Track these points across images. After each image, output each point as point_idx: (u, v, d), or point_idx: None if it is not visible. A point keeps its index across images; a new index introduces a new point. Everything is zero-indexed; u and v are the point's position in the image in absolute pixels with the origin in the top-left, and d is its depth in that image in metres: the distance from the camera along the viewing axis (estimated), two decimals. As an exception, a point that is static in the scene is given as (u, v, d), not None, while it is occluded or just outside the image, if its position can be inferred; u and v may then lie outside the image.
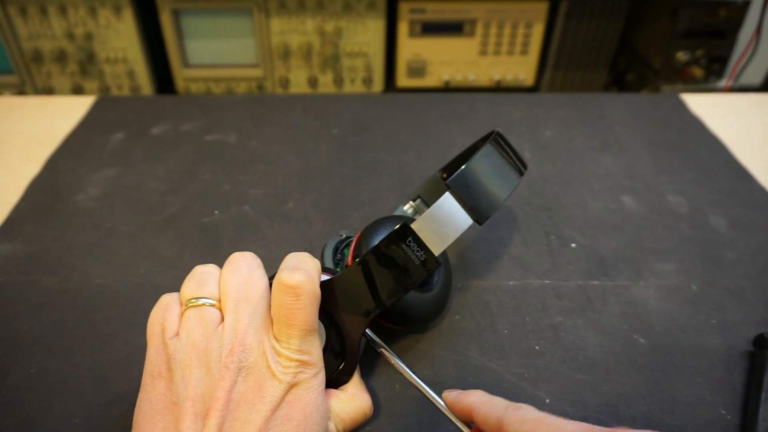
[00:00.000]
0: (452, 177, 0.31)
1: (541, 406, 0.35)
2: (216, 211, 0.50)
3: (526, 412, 0.26)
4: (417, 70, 1.13)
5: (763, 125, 0.64)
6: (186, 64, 1.08)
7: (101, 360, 0.37)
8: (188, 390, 0.27)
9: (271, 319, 0.29)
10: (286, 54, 1.07)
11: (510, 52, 1.12)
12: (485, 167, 0.32)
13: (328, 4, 1.02)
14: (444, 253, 0.41)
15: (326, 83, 1.12)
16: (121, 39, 1.03)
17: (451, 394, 0.30)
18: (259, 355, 0.28)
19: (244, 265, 0.30)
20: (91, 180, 0.54)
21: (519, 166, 0.35)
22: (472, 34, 1.09)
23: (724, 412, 0.35)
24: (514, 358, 0.38)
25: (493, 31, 1.09)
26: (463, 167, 0.31)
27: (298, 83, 1.11)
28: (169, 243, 0.47)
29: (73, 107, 0.65)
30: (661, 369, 0.38)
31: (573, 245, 0.47)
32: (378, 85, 1.13)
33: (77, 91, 1.08)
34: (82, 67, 1.06)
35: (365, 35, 1.06)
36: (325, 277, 0.32)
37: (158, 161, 0.56)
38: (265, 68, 1.09)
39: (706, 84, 1.13)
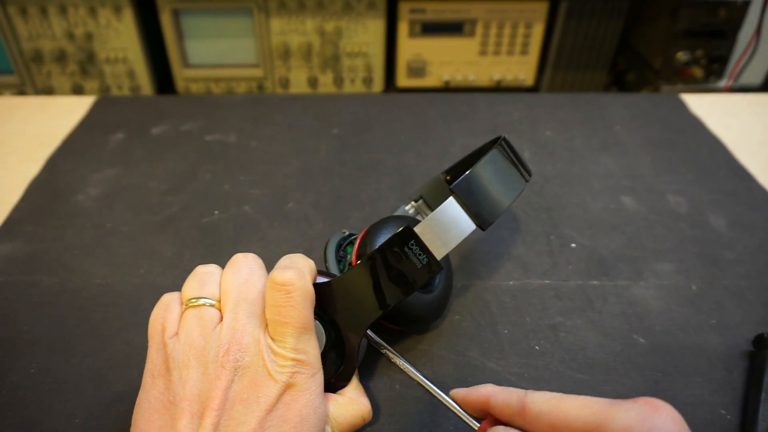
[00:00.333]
0: (457, 182, 0.31)
1: (541, 406, 0.35)
2: (216, 211, 0.50)
3: (545, 391, 0.26)
4: (417, 70, 1.13)
5: (763, 125, 0.64)
6: (186, 64, 1.08)
7: (101, 360, 0.37)
8: (185, 389, 0.27)
9: None
10: (286, 54, 1.07)
11: (510, 52, 1.12)
12: (490, 173, 0.32)
13: (328, 4, 1.02)
14: (445, 255, 0.41)
15: (326, 83, 1.12)
16: (121, 39, 1.03)
17: (461, 391, 0.30)
18: (255, 355, 0.28)
19: (245, 266, 0.31)
20: (91, 180, 0.54)
21: (524, 172, 0.35)
22: (472, 34, 1.09)
23: (724, 412, 0.35)
24: (514, 358, 0.38)
25: (493, 31, 1.09)
26: (467, 172, 0.31)
27: (298, 83, 1.11)
28: (169, 243, 0.47)
29: (73, 107, 0.65)
30: (661, 369, 0.38)
31: (573, 245, 0.47)
32: (378, 85, 1.13)
33: (77, 91, 1.08)
34: (82, 67, 1.06)
35: (365, 35, 1.06)
36: (324, 280, 0.32)
37: (158, 161, 0.56)
38: (265, 68, 1.09)
39: (706, 84, 1.13)
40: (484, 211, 0.31)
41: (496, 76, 1.14)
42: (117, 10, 1.00)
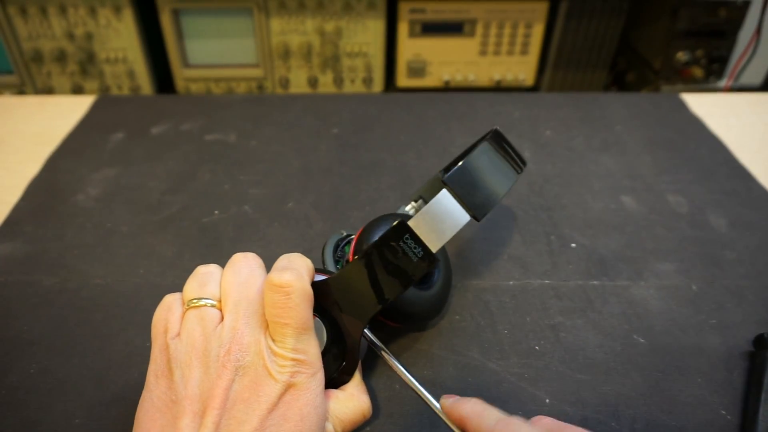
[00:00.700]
0: (449, 174, 0.31)
1: (541, 407, 0.35)
2: (216, 211, 0.50)
3: (514, 428, 0.26)
4: (417, 70, 1.13)
5: (763, 125, 0.64)
6: (186, 64, 1.08)
7: (101, 360, 0.37)
8: (187, 389, 0.27)
9: None
10: (286, 54, 1.07)
11: (510, 52, 1.12)
12: (482, 164, 0.32)
13: (328, 4, 1.02)
14: (444, 252, 0.41)
15: (326, 83, 1.12)
16: (121, 39, 1.03)
17: (448, 401, 0.30)
18: (255, 355, 0.28)
19: (245, 265, 0.31)
20: (91, 180, 0.54)
21: (518, 162, 0.35)
22: (472, 34, 1.09)
23: (724, 412, 0.35)
24: (514, 358, 0.38)
25: (493, 31, 1.09)
26: (460, 164, 0.31)
27: (298, 83, 1.11)
28: (169, 243, 0.47)
29: (73, 107, 0.65)
30: (661, 369, 0.38)
31: (573, 245, 0.47)
32: (378, 85, 1.13)
33: (77, 91, 1.08)
34: (82, 67, 1.06)
35: (365, 35, 1.06)
36: (323, 278, 0.32)
37: (158, 161, 0.56)
38: (265, 68, 1.09)
39: (706, 84, 1.13)
40: (477, 201, 0.31)
41: (496, 76, 1.14)
42: (117, 10, 1.00)
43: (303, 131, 0.61)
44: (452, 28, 1.08)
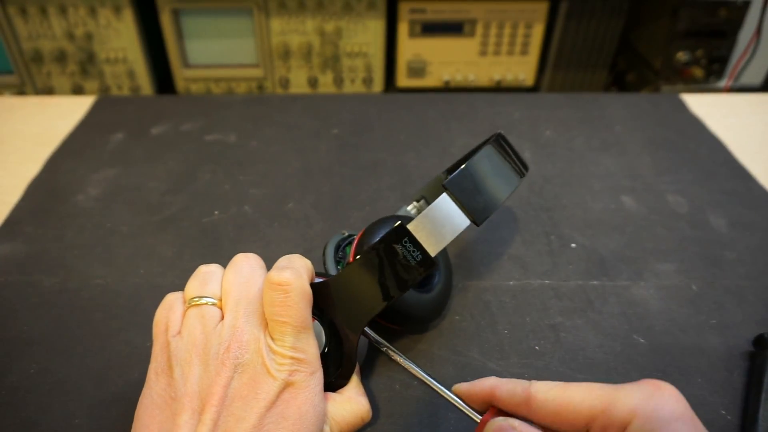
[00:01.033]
0: (450, 178, 0.31)
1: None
2: (216, 211, 0.50)
3: (550, 381, 0.27)
4: (417, 70, 1.13)
5: (763, 125, 0.64)
6: (186, 64, 1.08)
7: (101, 360, 0.37)
8: (186, 386, 0.27)
9: None
10: (286, 54, 1.07)
11: (510, 52, 1.12)
12: (484, 168, 0.32)
13: (328, 4, 1.02)
14: (445, 255, 0.41)
15: (326, 83, 1.12)
16: (121, 39, 1.03)
17: (464, 385, 0.30)
18: (254, 353, 0.28)
19: (246, 265, 0.31)
20: (91, 180, 0.54)
21: (520, 168, 0.35)
22: (472, 34, 1.09)
23: (724, 412, 0.35)
24: (514, 358, 0.38)
25: (493, 31, 1.09)
26: (461, 168, 0.31)
27: (298, 83, 1.11)
28: (169, 243, 0.47)
29: (73, 107, 0.65)
30: (661, 369, 0.38)
31: (573, 245, 0.47)
32: (378, 85, 1.13)
33: (77, 91, 1.08)
34: (82, 67, 1.06)
35: (365, 35, 1.06)
36: (322, 280, 0.32)
37: (158, 161, 0.56)
38: (265, 68, 1.09)
39: (706, 84, 1.13)
40: (478, 206, 0.31)
41: (496, 76, 1.14)
42: (117, 10, 1.00)
43: (303, 131, 0.61)
44: (452, 28, 1.08)
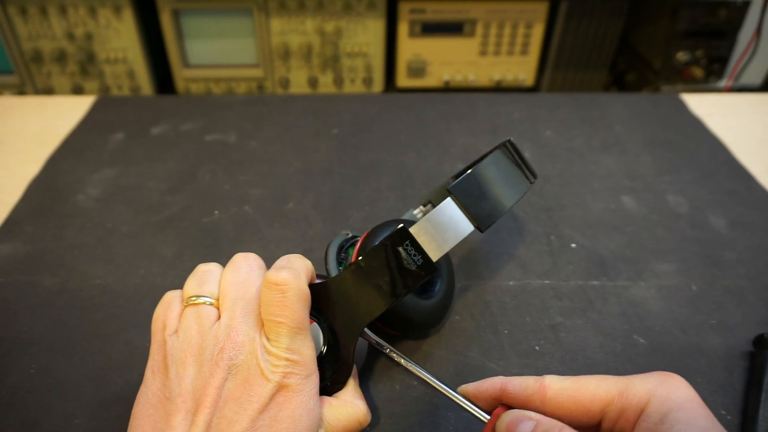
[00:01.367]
0: (455, 183, 0.30)
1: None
2: (216, 211, 0.50)
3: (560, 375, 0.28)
4: (417, 70, 1.13)
5: (763, 125, 0.64)
6: (186, 64, 1.08)
7: (101, 360, 0.37)
8: (181, 386, 0.27)
9: None
10: (286, 54, 1.07)
11: (510, 52, 1.12)
12: (491, 174, 0.32)
13: (328, 4, 1.02)
14: (448, 261, 0.41)
15: (326, 83, 1.12)
16: (121, 39, 1.03)
17: (471, 385, 0.30)
18: (249, 354, 0.28)
19: (245, 265, 0.31)
20: (91, 180, 0.54)
21: (528, 175, 0.35)
22: (472, 34, 1.09)
23: (724, 412, 0.35)
24: (514, 358, 0.38)
25: (493, 31, 1.09)
26: (467, 173, 0.31)
27: (298, 83, 1.11)
28: (169, 243, 0.47)
29: (73, 107, 0.65)
30: (661, 369, 0.37)
31: (573, 245, 0.47)
32: (378, 85, 1.13)
33: (77, 91, 1.08)
34: (82, 67, 1.06)
35: (365, 35, 1.06)
36: (321, 282, 0.32)
37: (158, 161, 0.56)
38: (265, 68, 1.09)
39: (706, 84, 1.13)
40: (483, 212, 0.31)
41: (496, 76, 1.14)
42: (117, 10, 1.00)
43: (303, 131, 0.61)
44: (452, 28, 1.08)
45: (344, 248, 0.38)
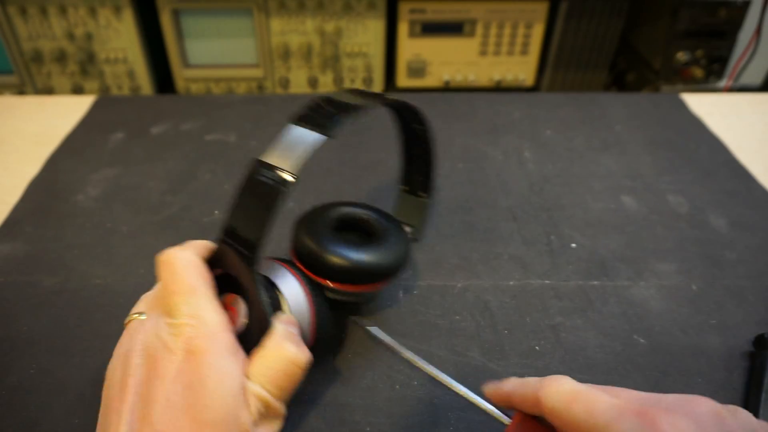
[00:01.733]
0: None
1: (541, 406, 0.35)
2: (216, 211, 0.50)
3: (559, 384, 0.26)
4: (417, 70, 1.13)
5: (763, 125, 0.64)
6: (186, 64, 1.08)
7: (101, 360, 0.37)
8: (111, 391, 0.28)
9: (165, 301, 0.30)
10: (286, 54, 1.07)
11: (510, 52, 1.12)
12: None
13: (328, 4, 1.02)
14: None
15: (326, 83, 1.12)
16: (121, 39, 1.03)
17: (490, 387, 0.30)
18: (155, 336, 0.28)
19: (161, 270, 0.31)
20: (91, 180, 0.54)
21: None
22: (472, 34, 1.09)
23: (724, 412, 0.35)
24: (514, 358, 0.38)
25: (493, 31, 1.09)
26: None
27: (298, 83, 1.11)
28: (169, 243, 0.46)
29: (73, 107, 0.65)
30: (661, 369, 0.38)
31: (573, 245, 0.47)
32: (378, 85, 1.13)
33: (77, 91, 1.08)
34: (82, 67, 1.06)
35: (365, 35, 1.06)
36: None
37: (158, 161, 0.56)
38: (265, 68, 1.09)
39: (706, 84, 1.13)
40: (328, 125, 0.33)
41: (496, 76, 1.14)
42: (117, 10, 1.00)
43: (303, 131, 0.61)
44: (452, 28, 1.08)
45: None
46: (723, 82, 1.13)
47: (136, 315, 0.30)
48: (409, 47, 1.10)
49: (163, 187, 0.53)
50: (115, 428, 0.26)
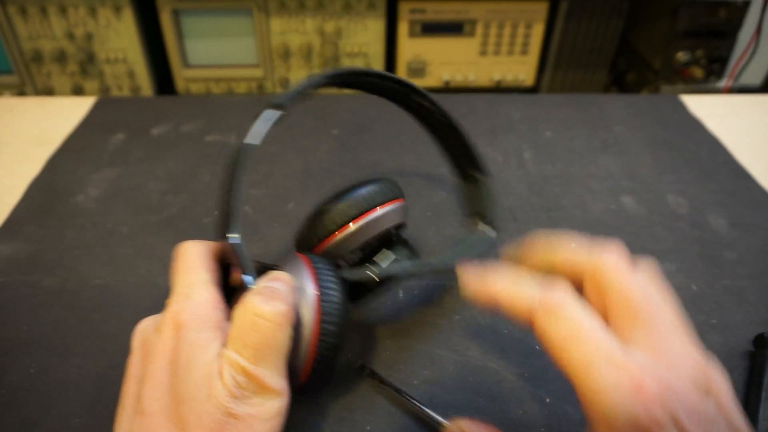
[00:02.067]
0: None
1: (541, 406, 0.35)
2: (216, 212, 0.50)
3: (561, 313, 0.23)
4: (417, 70, 1.13)
5: (763, 126, 0.64)
6: (186, 64, 1.08)
7: (101, 360, 0.37)
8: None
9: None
10: (286, 54, 1.07)
11: (510, 52, 1.12)
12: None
13: (328, 4, 1.02)
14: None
15: (326, 83, 1.12)
16: (121, 39, 1.03)
17: (472, 278, 0.27)
18: (152, 318, 0.29)
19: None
20: (92, 180, 0.54)
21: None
22: (472, 34, 1.09)
23: (724, 412, 0.35)
24: (515, 357, 0.38)
25: (493, 31, 1.09)
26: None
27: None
28: (169, 243, 0.47)
29: (73, 108, 0.65)
30: (661, 369, 0.38)
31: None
32: (378, 85, 1.13)
33: (77, 91, 1.08)
34: (82, 68, 1.06)
35: (365, 35, 1.06)
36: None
37: (158, 162, 0.56)
38: (265, 68, 1.09)
39: (706, 84, 1.13)
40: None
41: (496, 76, 1.14)
42: (117, 10, 1.00)
43: (303, 131, 0.61)
44: (452, 28, 1.08)
45: None
46: (723, 82, 1.13)
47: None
48: (409, 47, 1.10)
49: (164, 187, 0.53)
50: (119, 416, 0.26)
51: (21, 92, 1.08)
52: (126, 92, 1.09)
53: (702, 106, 0.67)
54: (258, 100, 0.68)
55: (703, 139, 0.61)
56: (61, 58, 1.04)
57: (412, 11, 1.05)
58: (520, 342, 0.39)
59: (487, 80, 1.15)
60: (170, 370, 0.25)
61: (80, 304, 0.41)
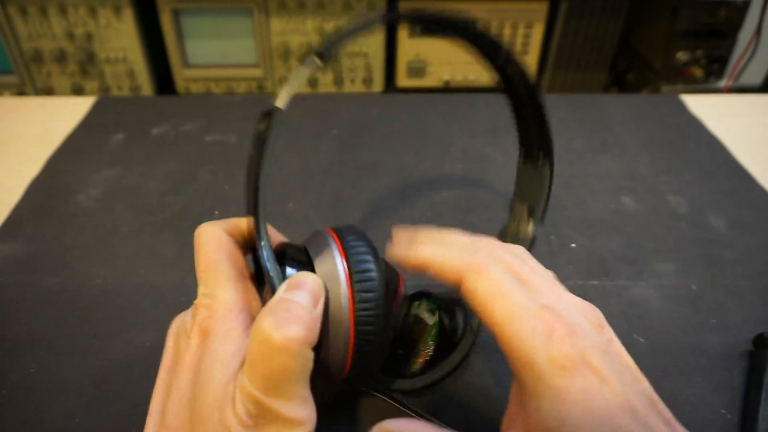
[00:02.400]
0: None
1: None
2: (216, 212, 0.50)
3: (486, 277, 0.26)
4: (417, 70, 1.13)
5: (762, 126, 0.64)
6: (186, 64, 1.08)
7: (101, 360, 0.37)
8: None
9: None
10: (286, 54, 1.07)
11: (510, 52, 1.12)
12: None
13: (328, 4, 1.02)
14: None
15: (326, 83, 1.12)
16: (121, 39, 1.03)
17: (399, 246, 0.28)
18: (183, 316, 0.28)
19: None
20: (92, 180, 0.54)
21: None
22: (472, 34, 1.09)
23: (724, 411, 0.35)
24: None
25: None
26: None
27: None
28: (169, 243, 0.47)
29: (73, 107, 0.65)
30: (661, 369, 0.38)
31: (573, 245, 0.47)
32: (378, 85, 1.13)
33: (77, 91, 1.08)
34: (82, 67, 1.06)
35: (365, 35, 1.06)
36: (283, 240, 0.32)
37: (158, 162, 0.56)
38: (265, 68, 1.09)
39: (706, 84, 1.13)
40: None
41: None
42: (117, 10, 1.00)
43: (303, 131, 0.61)
44: (452, 29, 1.08)
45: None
46: (723, 82, 1.13)
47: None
48: (409, 47, 1.10)
49: (164, 187, 0.53)
50: (146, 426, 0.26)
51: (21, 92, 1.08)
52: (126, 92, 1.09)
53: (702, 106, 0.67)
54: (258, 100, 0.68)
55: (703, 139, 0.61)
56: (61, 58, 1.04)
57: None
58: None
59: (487, 80, 1.15)
60: (193, 383, 0.25)
61: (80, 304, 0.41)
